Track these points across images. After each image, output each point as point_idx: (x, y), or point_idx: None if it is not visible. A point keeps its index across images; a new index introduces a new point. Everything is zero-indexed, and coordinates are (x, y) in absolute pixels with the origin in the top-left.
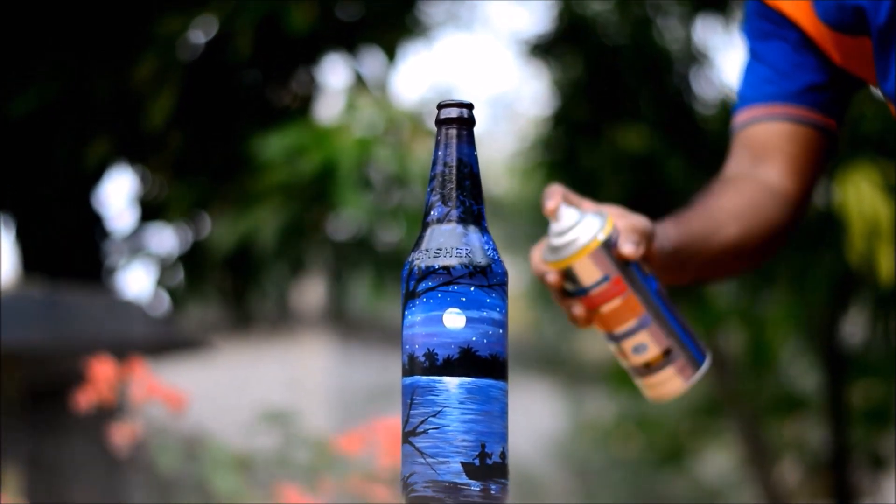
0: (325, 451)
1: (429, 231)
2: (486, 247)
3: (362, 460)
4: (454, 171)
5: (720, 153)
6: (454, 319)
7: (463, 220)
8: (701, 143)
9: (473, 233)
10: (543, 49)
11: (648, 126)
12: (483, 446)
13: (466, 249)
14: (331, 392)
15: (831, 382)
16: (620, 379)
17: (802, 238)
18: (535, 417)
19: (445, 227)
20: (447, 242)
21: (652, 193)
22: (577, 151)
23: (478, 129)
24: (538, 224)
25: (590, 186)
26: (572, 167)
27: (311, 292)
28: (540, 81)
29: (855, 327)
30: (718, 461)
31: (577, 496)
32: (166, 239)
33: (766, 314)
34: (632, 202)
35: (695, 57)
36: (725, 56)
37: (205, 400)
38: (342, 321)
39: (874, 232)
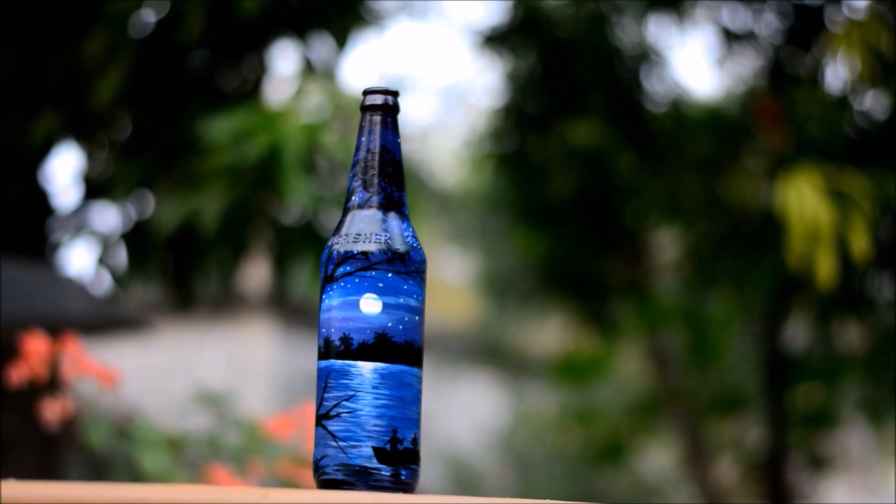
0: (255, 435)
1: (349, 216)
2: (406, 234)
3: (292, 444)
4: (377, 158)
5: (669, 150)
6: (371, 305)
7: (384, 207)
8: (650, 140)
9: (393, 219)
10: (497, 41)
11: (599, 121)
12: (395, 431)
13: (385, 236)
14: (272, 376)
15: (772, 384)
16: (562, 373)
17: (744, 240)
18: (476, 409)
19: (366, 212)
20: (367, 228)
21: (600, 188)
22: (527, 144)
23: (429, 120)
24: (487, 216)
25: (539, 179)
26: (522, 160)
27: (255, 276)
28: (492, 73)
29: (797, 330)
30: (658, 459)
31: (516, 489)
32: (110, 217)
33: (709, 314)
34: (580, 196)
35: (647, 54)
36: (677, 54)
37: (146, 381)
38: (285, 305)
39: (814, 236)
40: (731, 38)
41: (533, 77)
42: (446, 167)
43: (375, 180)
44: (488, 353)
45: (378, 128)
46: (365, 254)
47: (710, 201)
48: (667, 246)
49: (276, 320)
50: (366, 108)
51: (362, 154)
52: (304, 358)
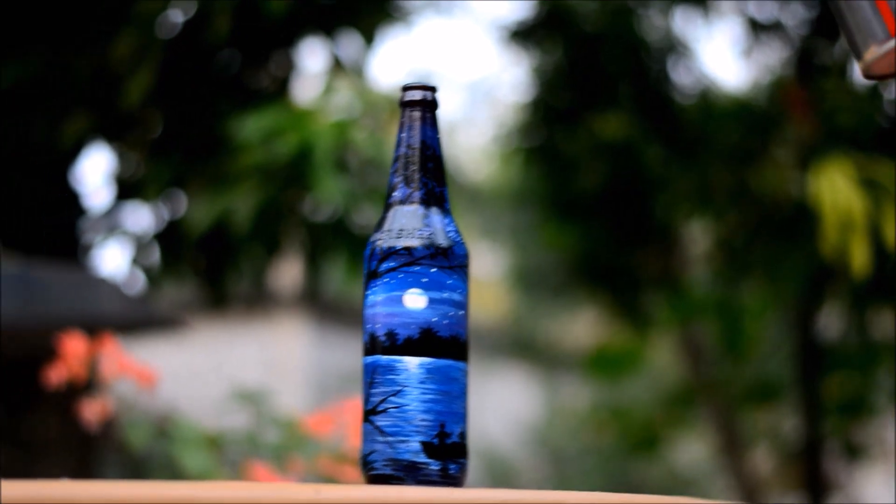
0: (295, 432)
1: (391, 212)
2: (448, 228)
3: (331, 441)
4: (417, 154)
5: (697, 141)
6: (415, 300)
7: (425, 202)
8: (678, 132)
9: (435, 214)
10: (523, 35)
11: (627, 114)
12: (442, 426)
13: (428, 231)
14: (306, 373)
15: (806, 373)
16: (595, 366)
17: (777, 229)
18: (509, 404)
19: (408, 208)
20: (409, 223)
21: (630, 180)
22: (555, 138)
23: (457, 116)
24: (517, 210)
25: (568, 173)
26: (551, 154)
27: (287, 274)
28: (519, 68)
29: (831, 319)
30: (692, 450)
31: (551, 483)
32: (142, 217)
33: (742, 304)
34: (610, 189)
35: (674, 46)
36: (704, 46)
37: (180, 380)
38: (318, 303)
39: (847, 225)
40: (758, 28)
41: (560, 71)
42: (475, 163)
43: (416, 176)
44: (521, 348)
45: (418, 123)
46: (408, 249)
47: (741, 192)
48: (698, 237)
49: (309, 318)
50: (405, 104)
51: (403, 150)
52: (337, 355)
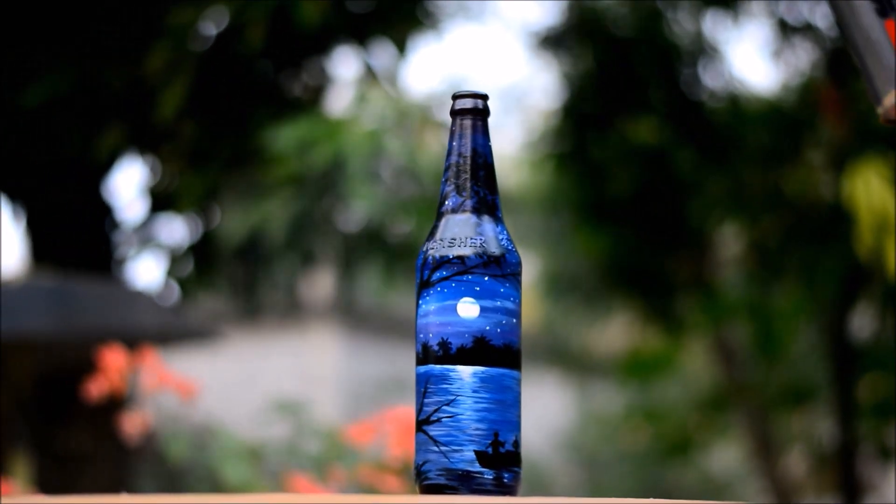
0: (335, 442)
1: (443, 221)
2: (501, 237)
3: (372, 450)
4: (469, 162)
5: (729, 144)
6: (468, 309)
7: (477, 210)
8: (710, 136)
9: (487, 223)
10: (553, 41)
11: (658, 118)
12: (496, 435)
13: (481, 239)
14: (340, 383)
15: (840, 375)
16: (628, 371)
17: (811, 231)
18: (543, 410)
19: (460, 216)
20: (461, 232)
21: (662, 184)
22: (586, 143)
23: (489, 121)
24: (549, 216)
25: (599, 178)
26: (582, 159)
27: (321, 283)
28: (550, 74)
29: (864, 320)
30: (726, 454)
31: (585, 488)
32: (176, 229)
33: (775, 307)
34: (642, 193)
35: (704, 50)
36: (734, 49)
37: (214, 390)
38: (351, 312)
39: (883, 226)
40: (789, 30)
41: (590, 76)
42: (506, 169)
43: (468, 184)
44: (554, 354)
45: (469, 132)
46: (461, 258)
47: (773, 194)
48: (730, 240)
49: (343, 327)
50: (456, 113)
51: (454, 158)
52: (370, 364)
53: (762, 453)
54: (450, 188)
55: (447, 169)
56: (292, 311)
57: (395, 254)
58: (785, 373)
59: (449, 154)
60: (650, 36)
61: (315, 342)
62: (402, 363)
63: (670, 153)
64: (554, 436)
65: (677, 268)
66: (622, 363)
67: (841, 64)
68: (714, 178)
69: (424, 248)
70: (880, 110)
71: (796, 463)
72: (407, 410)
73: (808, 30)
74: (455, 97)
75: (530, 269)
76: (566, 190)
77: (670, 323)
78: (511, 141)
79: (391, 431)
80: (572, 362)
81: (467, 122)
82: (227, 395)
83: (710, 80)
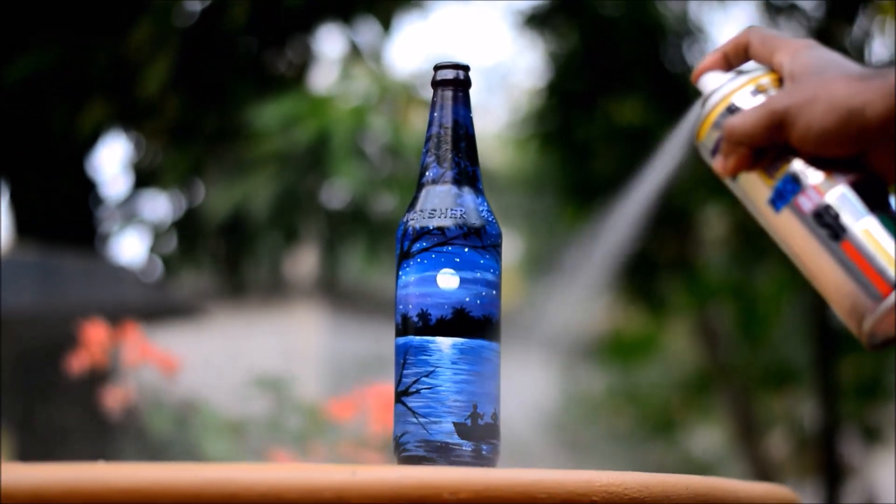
0: (316, 417)
1: (424, 192)
2: (481, 208)
3: (353, 426)
4: (450, 133)
5: None
6: (448, 280)
7: (458, 182)
8: None
9: (468, 194)
10: (538, 20)
11: (643, 98)
12: (475, 406)
13: (461, 210)
14: (323, 361)
15: (822, 356)
16: (611, 351)
17: None
18: (526, 389)
19: (440, 188)
20: (442, 203)
21: (645, 166)
22: (571, 123)
23: (472, 101)
24: (532, 196)
25: (584, 158)
26: (566, 139)
27: (305, 261)
28: (535, 53)
29: None
30: (709, 435)
31: (567, 468)
32: (160, 205)
33: (758, 288)
34: (625, 173)
35: (690, 30)
36: (720, 29)
37: (197, 367)
38: (335, 290)
39: None
40: (774, 10)
41: (575, 56)
42: (490, 148)
43: (449, 155)
44: (536, 334)
45: (450, 103)
46: (441, 229)
47: None
48: (713, 221)
49: (326, 305)
50: (437, 84)
51: (435, 129)
52: (354, 343)
53: (745, 435)
54: (430, 159)
55: (428, 140)
56: (276, 289)
57: (379, 231)
58: (768, 354)
59: (430, 125)
60: (636, 15)
61: (299, 320)
62: (385, 341)
63: (655, 133)
64: (536, 415)
65: (661, 248)
66: (605, 343)
67: (827, 45)
68: (698, 159)
69: (405, 219)
70: (864, 340)
71: (778, 444)
72: (387, 387)
73: (793, 10)
74: (436, 68)
75: (514, 249)
76: (550, 170)
77: (653, 303)
78: (495, 120)
79: (372, 407)
80: (554, 343)
81: (448, 93)
82: (210, 371)
83: (695, 60)
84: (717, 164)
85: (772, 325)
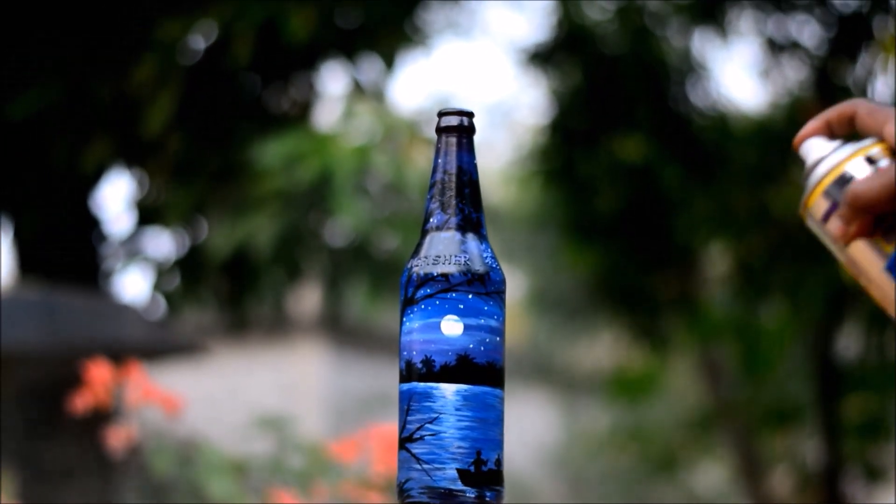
0: (319, 457)
1: (428, 238)
2: (485, 254)
3: (356, 466)
4: (454, 179)
5: (716, 163)
6: (452, 326)
7: (462, 228)
8: (697, 153)
9: (472, 240)
10: (542, 57)
11: (645, 135)
12: (479, 453)
13: (465, 257)
14: (325, 398)
15: (825, 395)
16: (614, 389)
17: (798, 251)
18: (529, 427)
19: (444, 234)
20: (446, 250)
21: (649, 202)
22: (574, 160)
23: (475, 138)
24: (535, 233)
25: (586, 195)
26: (569, 176)
27: (308, 298)
28: (538, 90)
29: (850, 340)
30: (711, 473)
31: None
32: (163, 243)
33: (761, 326)
34: (629, 211)
35: (692, 68)
36: (722, 67)
37: (199, 404)
38: (337, 328)
39: None
40: (777, 48)
41: (578, 93)
42: (493, 185)
43: (453, 202)
44: (540, 371)
45: (454, 149)
46: (445, 276)
47: (760, 213)
48: (717, 259)
49: (329, 342)
50: (441, 130)
51: (439, 176)
52: (356, 380)
53: (747, 472)
54: (434, 205)
55: (432, 186)
56: (278, 326)
57: (382, 269)
58: (770, 392)
59: (434, 171)
60: (638, 53)
61: (301, 357)
62: (388, 379)
63: (657, 171)
64: (539, 453)
65: (664, 286)
66: (608, 381)
67: (829, 83)
68: (701, 196)
69: (409, 265)
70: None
71: (781, 482)
72: (391, 427)
73: (796, 48)
74: (440, 114)
75: (517, 286)
76: (553, 206)
77: (656, 341)
78: (498, 157)
79: (375, 448)
80: (558, 379)
81: (452, 140)
82: (212, 409)
83: (697, 97)
84: (838, 230)
85: (775, 363)
